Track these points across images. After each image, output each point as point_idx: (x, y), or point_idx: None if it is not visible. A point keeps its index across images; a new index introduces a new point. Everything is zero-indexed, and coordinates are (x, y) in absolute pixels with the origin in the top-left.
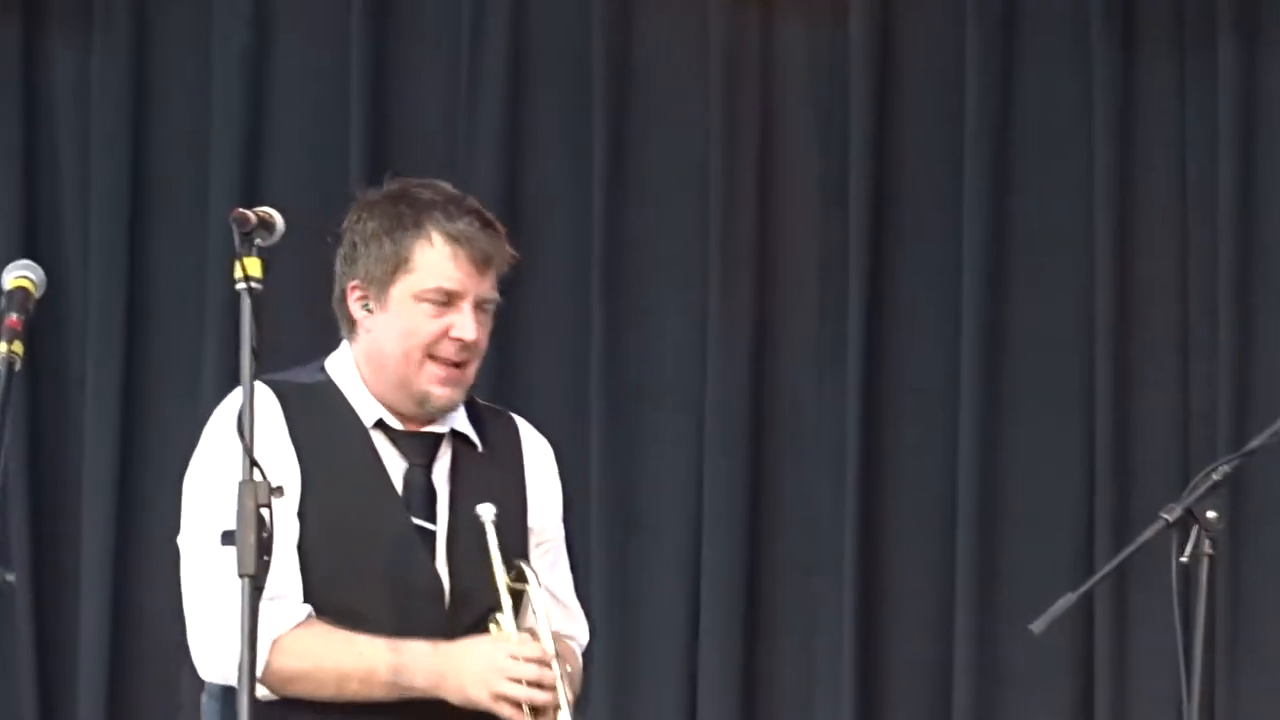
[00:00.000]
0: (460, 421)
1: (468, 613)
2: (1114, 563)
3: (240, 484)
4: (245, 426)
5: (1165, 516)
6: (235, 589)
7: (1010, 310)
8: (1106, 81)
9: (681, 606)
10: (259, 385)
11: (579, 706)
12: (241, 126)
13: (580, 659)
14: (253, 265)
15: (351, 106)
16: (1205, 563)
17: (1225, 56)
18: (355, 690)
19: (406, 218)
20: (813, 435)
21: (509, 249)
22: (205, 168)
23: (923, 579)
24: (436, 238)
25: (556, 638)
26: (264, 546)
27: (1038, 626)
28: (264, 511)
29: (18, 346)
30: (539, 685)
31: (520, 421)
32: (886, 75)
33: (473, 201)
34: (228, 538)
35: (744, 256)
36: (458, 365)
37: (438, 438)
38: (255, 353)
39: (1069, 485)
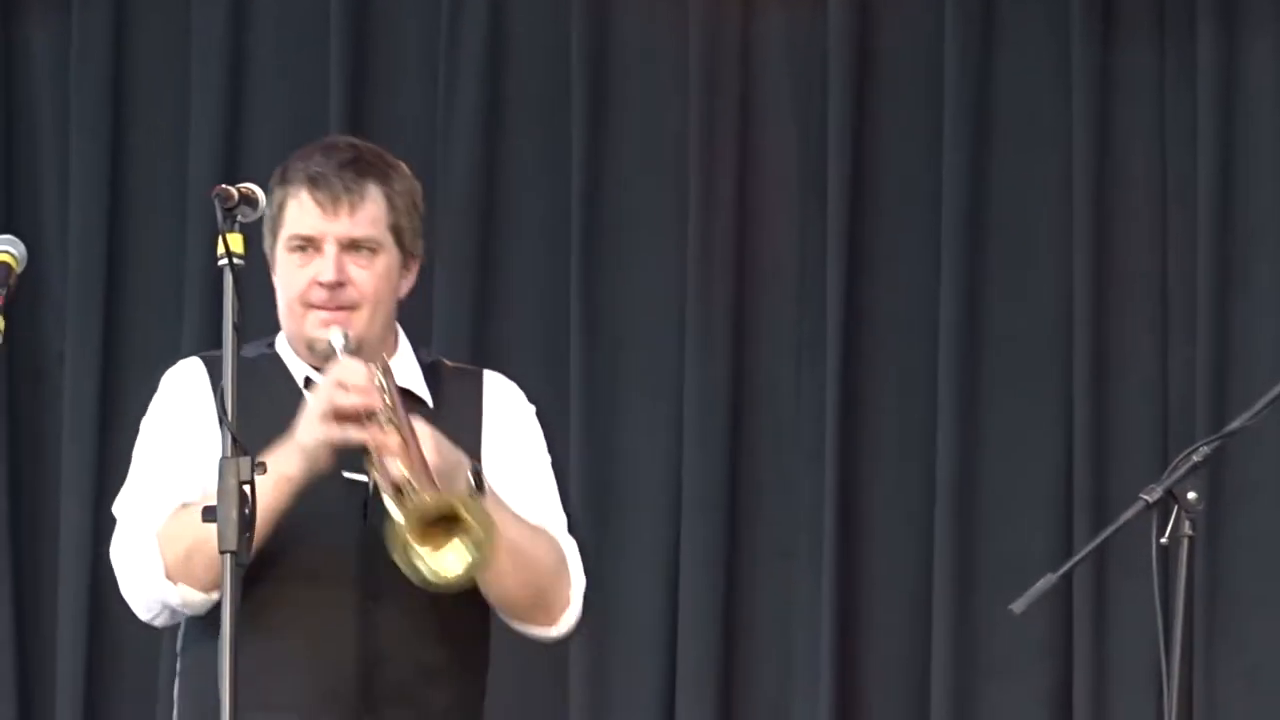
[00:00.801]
0: (406, 378)
1: (394, 564)
2: (1095, 542)
3: (221, 460)
4: (227, 403)
5: (1145, 498)
6: (145, 524)
7: (989, 296)
8: (1086, 69)
9: (660, 593)
10: (193, 360)
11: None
12: (221, 104)
13: (553, 542)
14: (235, 241)
15: (331, 85)
16: (1185, 544)
17: (1205, 44)
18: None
19: (280, 176)
20: (791, 423)
21: (384, 185)
22: (185, 144)
23: (901, 565)
24: (294, 187)
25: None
26: (246, 523)
27: (1018, 606)
28: (246, 488)
29: (0, 322)
30: (347, 389)
31: (487, 375)
32: (866, 62)
33: (350, 146)
34: (209, 514)
35: (722, 243)
36: (339, 309)
37: None
38: (237, 328)
39: (1048, 471)
